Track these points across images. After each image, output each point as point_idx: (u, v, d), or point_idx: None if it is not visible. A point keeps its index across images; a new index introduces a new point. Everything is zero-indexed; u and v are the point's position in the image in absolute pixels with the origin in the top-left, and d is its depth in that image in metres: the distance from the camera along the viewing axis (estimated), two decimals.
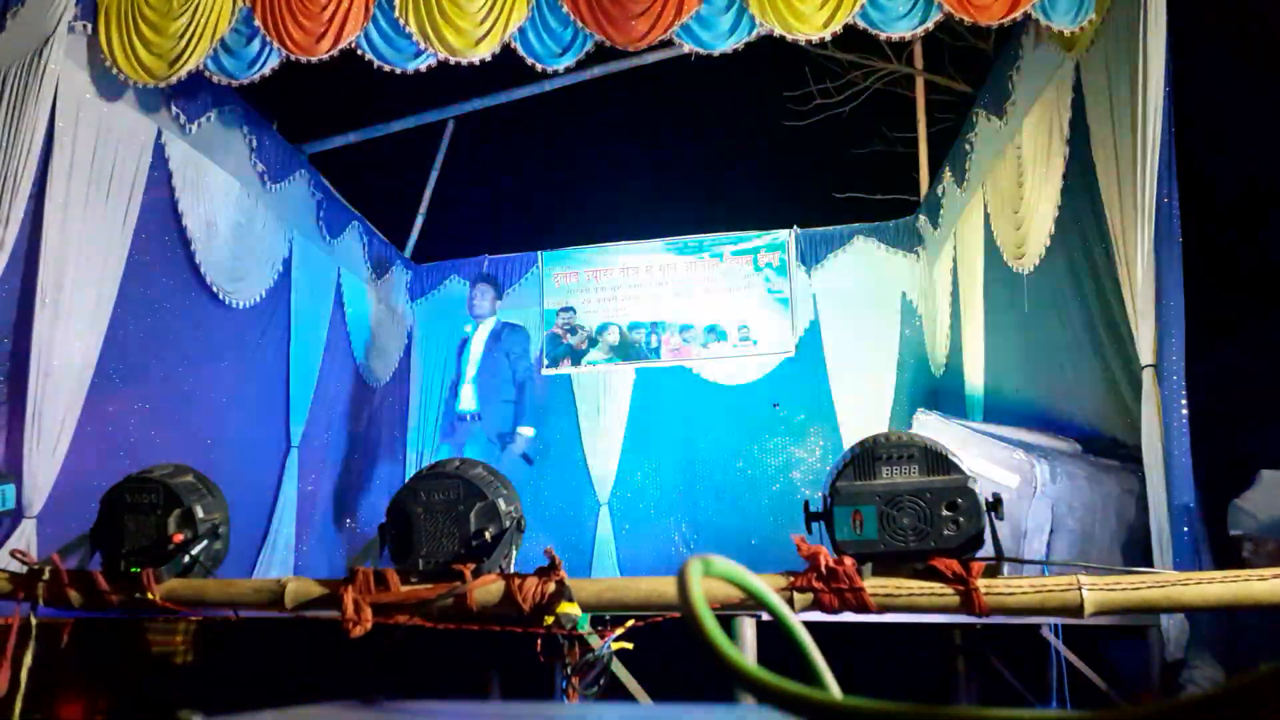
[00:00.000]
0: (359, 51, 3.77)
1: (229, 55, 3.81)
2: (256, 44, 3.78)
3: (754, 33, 3.56)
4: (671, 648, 1.98)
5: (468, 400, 5.37)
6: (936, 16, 3.44)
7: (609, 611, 2.18)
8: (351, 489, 6.19)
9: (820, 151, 9.48)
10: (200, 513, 2.53)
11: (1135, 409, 3.10)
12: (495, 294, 5.63)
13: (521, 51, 3.73)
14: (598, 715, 0.72)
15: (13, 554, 2.50)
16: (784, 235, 6.56)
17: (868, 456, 2.19)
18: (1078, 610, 1.97)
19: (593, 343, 6.72)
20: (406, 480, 2.56)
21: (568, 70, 3.89)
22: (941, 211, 5.80)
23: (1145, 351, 3.05)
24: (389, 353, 6.78)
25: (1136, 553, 3.01)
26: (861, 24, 3.48)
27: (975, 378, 5.07)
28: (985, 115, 4.86)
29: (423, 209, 7.17)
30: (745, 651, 2.14)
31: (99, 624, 2.75)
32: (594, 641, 2.09)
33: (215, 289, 4.72)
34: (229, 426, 4.86)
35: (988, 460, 3.25)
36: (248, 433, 5.01)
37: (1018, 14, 3.36)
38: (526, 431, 5.31)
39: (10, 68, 3.57)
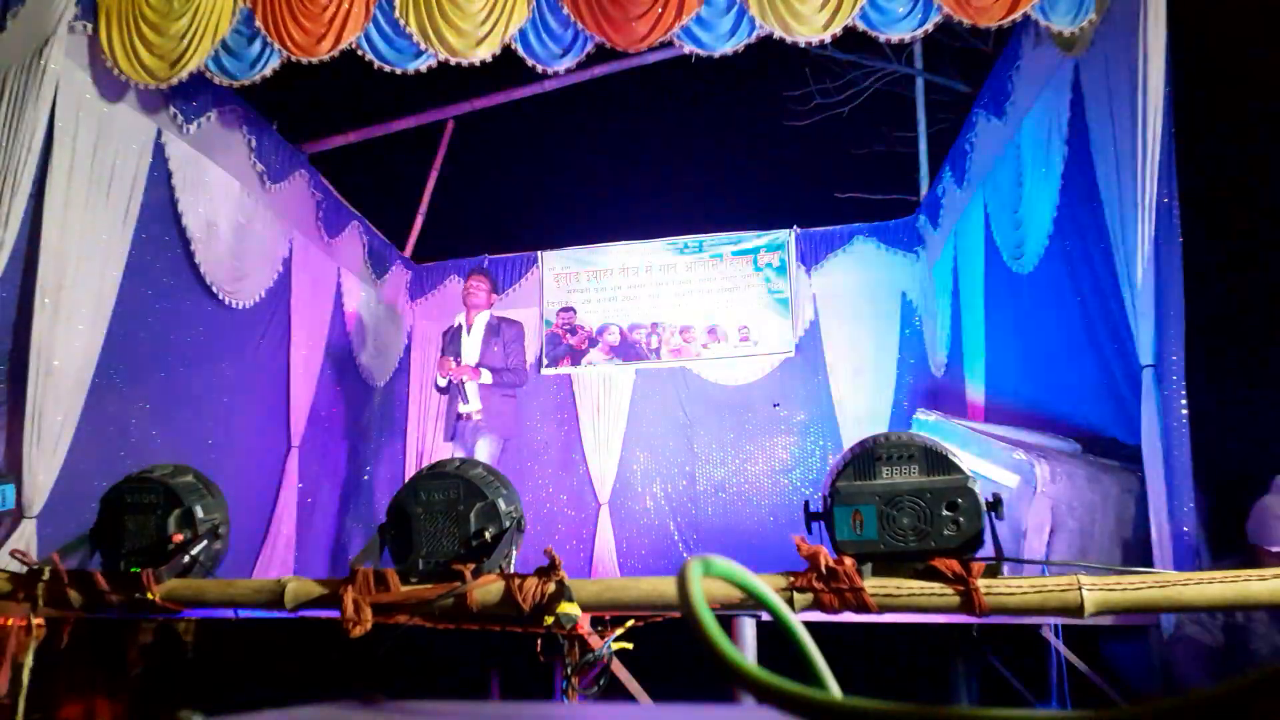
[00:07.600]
0: (359, 52, 3.77)
1: (230, 56, 3.81)
2: (257, 45, 3.78)
3: (754, 34, 3.56)
4: (671, 648, 1.98)
5: (471, 400, 5.04)
6: (936, 18, 3.44)
7: (609, 611, 2.18)
8: (351, 489, 6.19)
9: (820, 151, 9.50)
10: (200, 513, 2.54)
11: (1135, 409, 3.10)
12: (491, 287, 5.35)
13: (522, 52, 3.73)
14: (597, 715, 0.72)
15: (13, 554, 2.51)
16: (784, 235, 6.55)
17: (868, 456, 2.19)
18: (1078, 610, 1.97)
19: (593, 343, 6.72)
20: (406, 480, 2.56)
21: (568, 71, 3.89)
22: (941, 211, 5.80)
23: (1145, 351, 3.05)
24: (389, 352, 6.78)
25: (1136, 553, 3.01)
26: (861, 26, 3.48)
27: (975, 378, 5.07)
28: (985, 115, 4.86)
29: (423, 209, 7.18)
30: (745, 651, 2.14)
31: (99, 624, 2.75)
32: (594, 641, 2.09)
33: (215, 289, 4.72)
34: (229, 426, 4.86)
35: (988, 460, 3.25)
36: (248, 433, 5.01)
37: (1017, 15, 3.36)
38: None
39: (10, 68, 3.57)
